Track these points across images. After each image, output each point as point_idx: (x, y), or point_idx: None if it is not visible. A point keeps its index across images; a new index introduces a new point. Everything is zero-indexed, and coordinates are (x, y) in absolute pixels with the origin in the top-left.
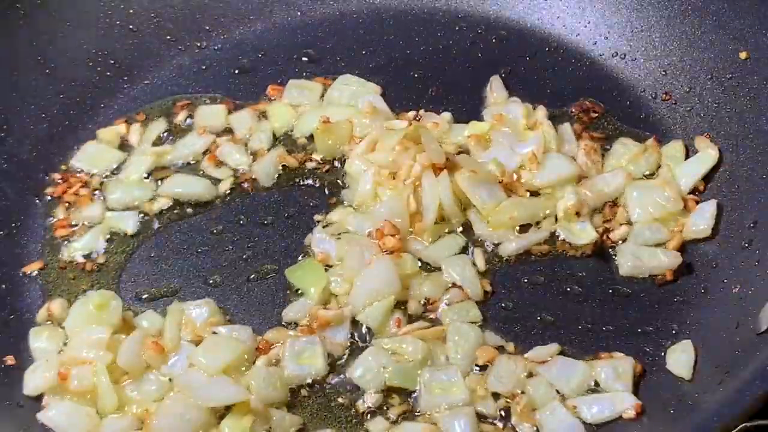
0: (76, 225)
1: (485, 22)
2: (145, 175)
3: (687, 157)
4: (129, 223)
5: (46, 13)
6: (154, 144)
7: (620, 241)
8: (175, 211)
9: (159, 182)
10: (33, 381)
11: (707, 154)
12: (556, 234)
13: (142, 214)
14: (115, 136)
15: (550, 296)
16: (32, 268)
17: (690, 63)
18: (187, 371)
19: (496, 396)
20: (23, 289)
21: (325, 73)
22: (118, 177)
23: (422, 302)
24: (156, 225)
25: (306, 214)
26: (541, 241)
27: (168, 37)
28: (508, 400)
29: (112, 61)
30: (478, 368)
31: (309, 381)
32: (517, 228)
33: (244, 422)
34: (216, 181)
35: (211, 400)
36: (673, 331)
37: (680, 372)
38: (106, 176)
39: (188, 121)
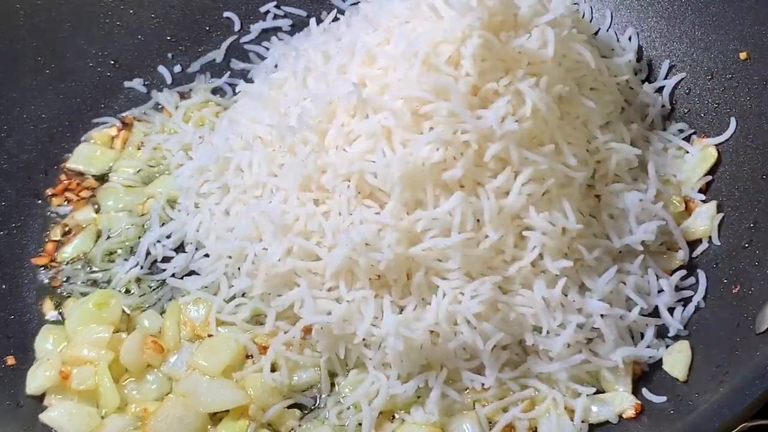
0: (73, 225)
1: None
2: (136, 178)
3: (687, 157)
4: (123, 224)
5: (46, 13)
6: (147, 145)
7: None
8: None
9: (150, 183)
10: (35, 380)
11: (707, 154)
12: None
13: (134, 216)
14: (107, 138)
15: None
16: (33, 266)
17: (690, 63)
18: (187, 376)
19: (498, 398)
20: (23, 289)
21: None
22: (110, 182)
23: None
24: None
25: None
26: None
27: (168, 38)
28: (508, 401)
29: (112, 61)
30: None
31: (306, 386)
32: None
33: (241, 424)
34: None
35: (211, 406)
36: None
37: (675, 373)
38: (101, 177)
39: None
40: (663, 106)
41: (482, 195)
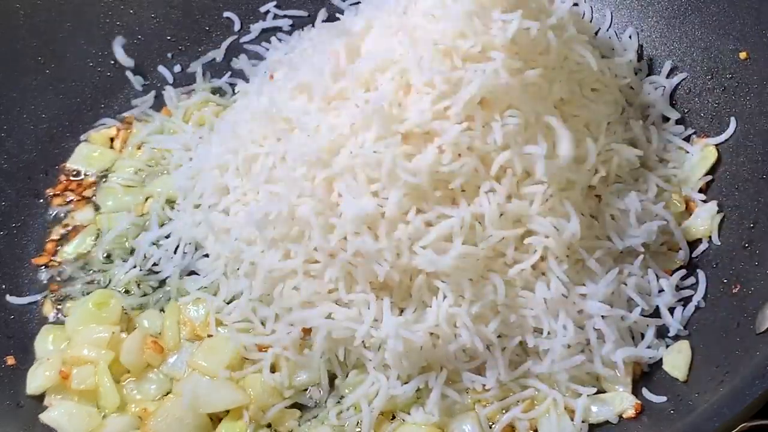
0: (73, 225)
1: None
2: (135, 178)
3: (687, 157)
4: (122, 224)
5: (46, 13)
6: (147, 145)
7: None
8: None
9: (149, 182)
10: (35, 380)
11: (707, 154)
12: None
13: (134, 216)
14: (107, 138)
15: None
16: (33, 266)
17: (690, 63)
18: (187, 378)
19: (498, 398)
20: (23, 289)
21: None
22: (110, 182)
23: None
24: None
25: None
26: None
27: (168, 38)
28: (509, 402)
29: (112, 62)
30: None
31: (306, 386)
32: None
33: (241, 424)
34: None
35: (212, 407)
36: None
37: (675, 373)
38: (100, 177)
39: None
40: None
41: (483, 199)
